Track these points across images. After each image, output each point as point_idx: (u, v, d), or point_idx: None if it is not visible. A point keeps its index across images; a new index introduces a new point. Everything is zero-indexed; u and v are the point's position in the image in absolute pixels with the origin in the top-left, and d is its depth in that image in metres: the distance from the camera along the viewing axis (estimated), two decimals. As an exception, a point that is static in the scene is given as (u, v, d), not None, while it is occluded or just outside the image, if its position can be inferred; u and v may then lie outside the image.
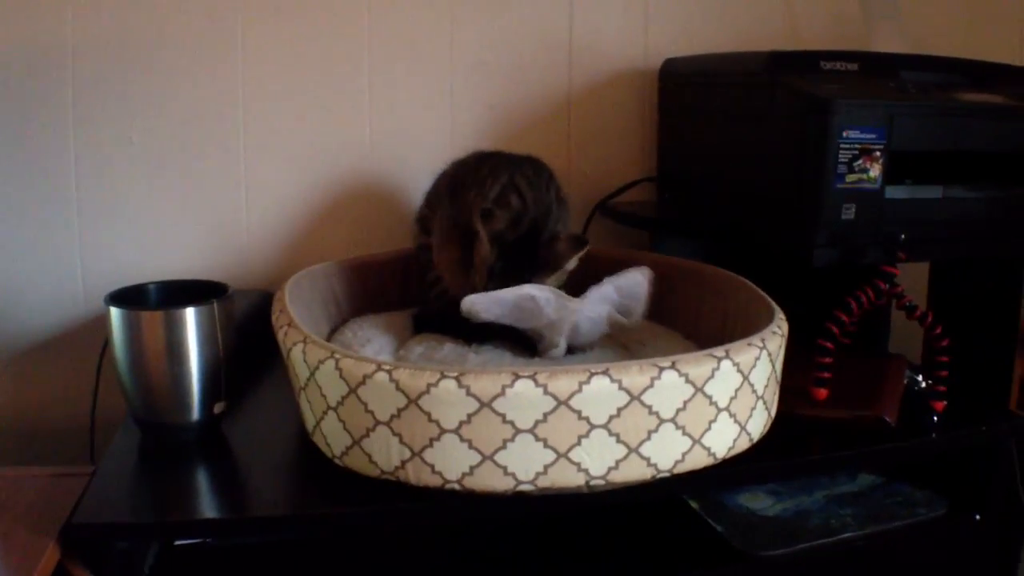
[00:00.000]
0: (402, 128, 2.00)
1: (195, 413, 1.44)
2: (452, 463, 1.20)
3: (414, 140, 2.00)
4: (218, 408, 1.47)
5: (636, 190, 2.06)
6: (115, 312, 1.42)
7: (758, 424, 1.35)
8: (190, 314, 1.41)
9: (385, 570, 1.53)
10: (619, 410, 1.20)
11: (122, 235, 1.91)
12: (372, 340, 1.57)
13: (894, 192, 1.56)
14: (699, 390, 1.23)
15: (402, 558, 1.55)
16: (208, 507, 1.35)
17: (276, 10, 1.90)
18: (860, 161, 1.51)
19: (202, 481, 1.40)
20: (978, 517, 1.62)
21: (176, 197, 1.92)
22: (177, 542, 1.46)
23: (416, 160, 1.98)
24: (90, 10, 1.82)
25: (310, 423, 1.33)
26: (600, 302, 1.51)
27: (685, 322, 1.66)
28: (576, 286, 1.53)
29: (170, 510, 1.31)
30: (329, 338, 1.61)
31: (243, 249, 1.97)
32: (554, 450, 1.20)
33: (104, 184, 1.88)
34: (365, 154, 1.99)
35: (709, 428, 1.26)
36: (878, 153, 1.51)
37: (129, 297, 1.48)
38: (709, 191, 1.85)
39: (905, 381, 1.65)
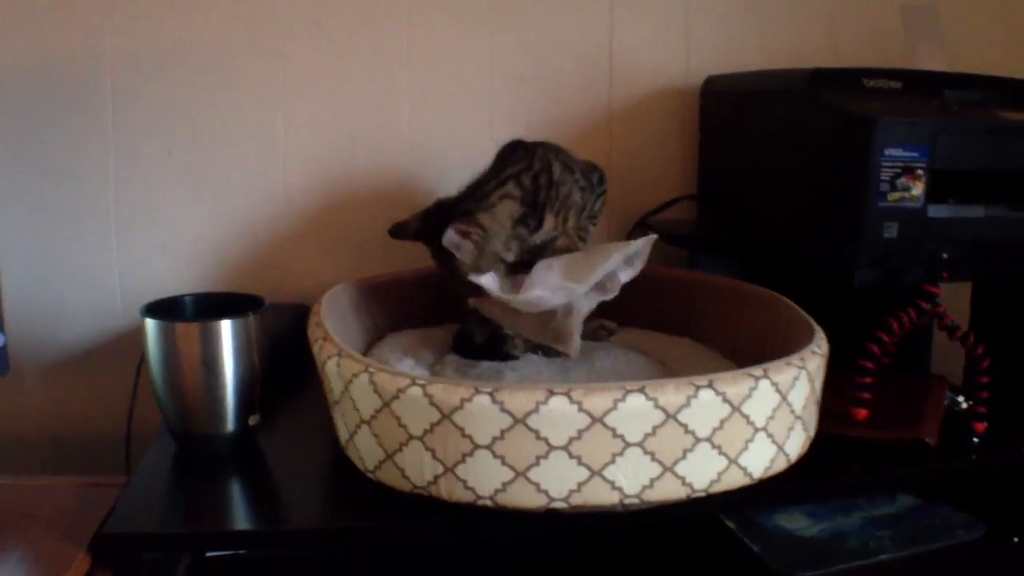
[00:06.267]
0: (441, 144, 2.00)
1: (230, 425, 1.45)
2: (485, 479, 1.19)
3: (453, 156, 2.00)
4: (253, 420, 1.47)
5: (676, 208, 2.05)
6: (151, 323, 1.42)
7: (796, 444, 1.33)
8: (226, 326, 1.42)
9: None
10: (654, 428, 1.18)
11: (160, 248, 1.92)
12: (407, 355, 1.57)
13: (936, 211, 1.54)
14: (736, 409, 1.22)
15: (433, 574, 1.54)
16: (239, 519, 1.35)
17: (316, 25, 1.90)
18: (902, 179, 1.49)
19: (234, 493, 1.41)
20: (1016, 540, 1.60)
21: (215, 210, 1.93)
22: (208, 554, 1.46)
23: (456, 176, 1.96)
24: (128, 24, 1.83)
25: (343, 437, 1.33)
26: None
27: (724, 341, 1.65)
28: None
29: (201, 521, 1.31)
30: (365, 353, 1.61)
31: (281, 263, 1.97)
32: (588, 468, 1.18)
33: (142, 197, 1.89)
34: (404, 170, 1.99)
35: (746, 448, 1.25)
36: (920, 171, 1.50)
37: (166, 309, 1.49)
38: (749, 209, 1.84)
39: (946, 402, 1.63)
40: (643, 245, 1.53)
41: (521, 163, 1.60)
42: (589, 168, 1.67)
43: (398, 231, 1.62)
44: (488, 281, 1.51)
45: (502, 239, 1.53)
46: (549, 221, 1.58)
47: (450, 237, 1.50)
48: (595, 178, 1.67)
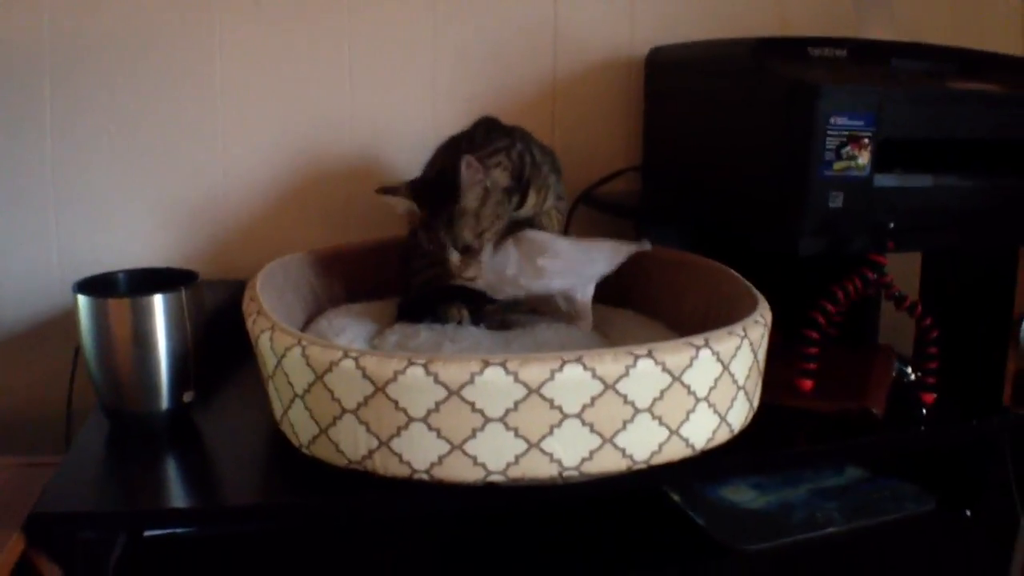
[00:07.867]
0: (383, 119, 1.98)
1: (164, 402, 1.43)
2: (420, 453, 1.17)
3: (395, 131, 1.98)
4: (187, 397, 1.45)
5: (621, 180, 2.04)
6: (83, 300, 1.41)
7: (739, 415, 1.32)
8: (158, 301, 1.40)
9: (352, 561, 1.53)
10: (593, 399, 1.17)
11: (99, 225, 1.89)
12: (347, 329, 1.54)
13: (883, 180, 1.52)
14: (676, 379, 1.20)
15: (370, 548, 1.54)
16: (175, 496, 1.34)
17: (254, 1, 1.88)
18: (848, 148, 1.47)
19: (170, 471, 1.39)
20: (968, 513, 1.59)
21: (154, 189, 1.91)
22: (146, 533, 1.43)
23: (397, 151, 1.97)
24: (66, 3, 1.80)
25: (278, 412, 1.31)
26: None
27: (668, 313, 1.63)
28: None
29: (137, 499, 1.30)
30: (305, 328, 1.58)
31: (221, 239, 1.95)
32: (525, 440, 1.17)
33: (80, 176, 1.87)
34: (345, 146, 1.97)
35: (687, 419, 1.23)
36: (866, 140, 1.48)
37: (98, 285, 1.47)
38: (695, 180, 1.82)
39: (894, 373, 1.63)
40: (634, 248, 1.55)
41: (505, 140, 1.60)
42: (550, 154, 1.69)
43: (388, 190, 1.55)
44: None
45: (494, 201, 1.51)
46: (532, 197, 1.59)
47: (470, 161, 1.46)
48: (558, 164, 1.68)
